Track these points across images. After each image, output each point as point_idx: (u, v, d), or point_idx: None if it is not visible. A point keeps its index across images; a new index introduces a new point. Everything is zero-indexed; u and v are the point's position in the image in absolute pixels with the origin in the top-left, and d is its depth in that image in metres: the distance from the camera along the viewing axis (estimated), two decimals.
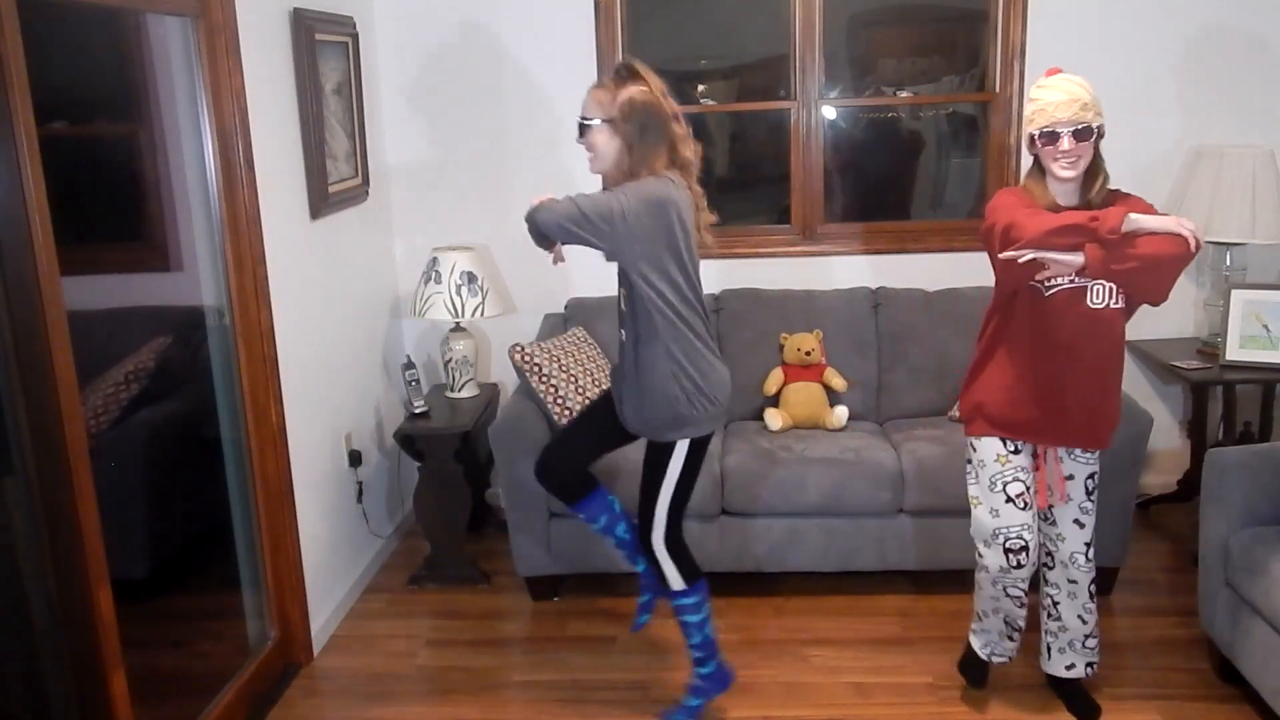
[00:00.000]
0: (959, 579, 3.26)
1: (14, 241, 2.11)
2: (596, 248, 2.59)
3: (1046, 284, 2.56)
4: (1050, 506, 2.77)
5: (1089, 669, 2.92)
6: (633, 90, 2.59)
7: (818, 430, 3.79)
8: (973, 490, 2.78)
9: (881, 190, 4.77)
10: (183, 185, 2.93)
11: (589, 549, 3.58)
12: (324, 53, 3.53)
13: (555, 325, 4.09)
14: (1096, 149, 2.55)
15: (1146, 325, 4.16)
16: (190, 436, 3.12)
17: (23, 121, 2.09)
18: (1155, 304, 2.58)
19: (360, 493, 3.82)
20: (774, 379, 3.89)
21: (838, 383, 3.87)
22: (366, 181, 3.93)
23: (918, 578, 3.65)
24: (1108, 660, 3.19)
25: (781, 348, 3.93)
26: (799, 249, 4.26)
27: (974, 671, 3.01)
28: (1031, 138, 2.55)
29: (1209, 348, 3.91)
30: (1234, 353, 3.76)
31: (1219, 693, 3.02)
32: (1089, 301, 2.56)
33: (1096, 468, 2.76)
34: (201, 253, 2.98)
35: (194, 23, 2.80)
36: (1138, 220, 2.44)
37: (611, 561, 3.60)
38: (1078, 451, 2.74)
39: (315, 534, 3.42)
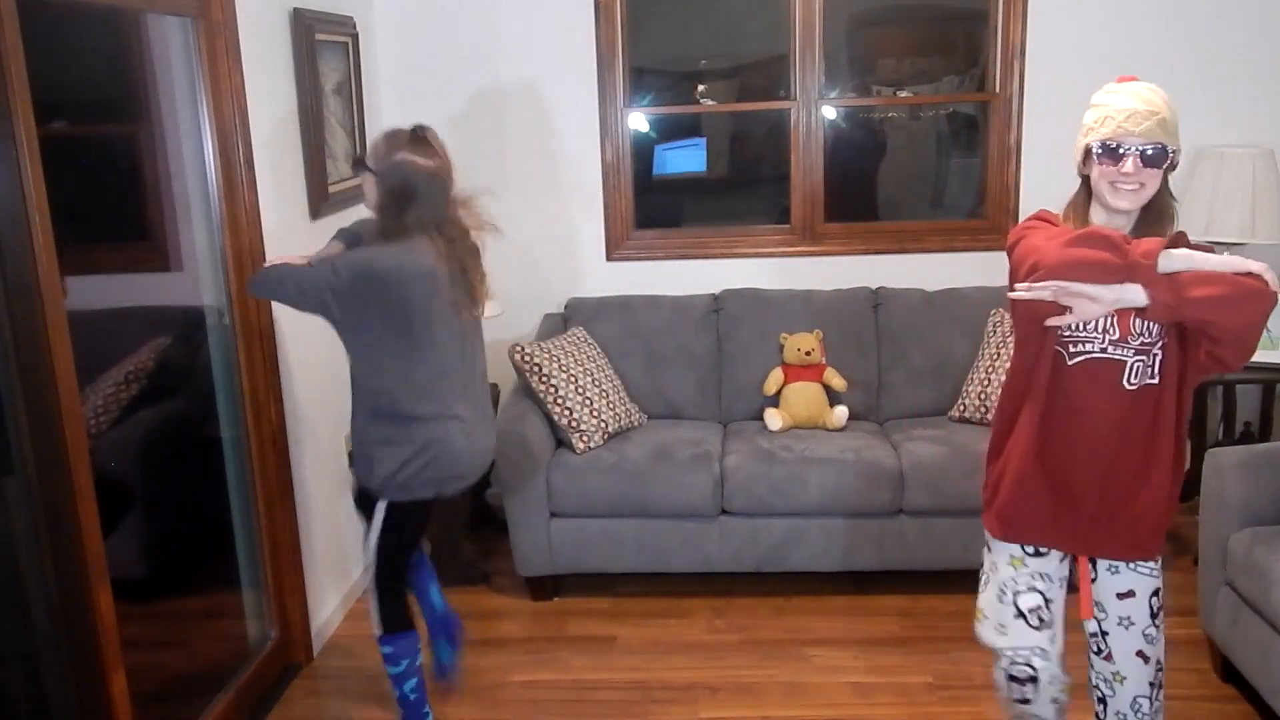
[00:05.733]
0: (959, 579, 3.25)
1: (14, 241, 2.11)
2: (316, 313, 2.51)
3: (1071, 350, 2.02)
4: (1105, 634, 2.18)
5: None
6: (405, 156, 2.48)
7: (818, 430, 3.79)
8: (980, 599, 2.27)
9: (881, 190, 4.77)
10: (183, 185, 2.93)
11: (589, 549, 3.58)
12: (324, 53, 3.53)
13: (555, 325, 4.08)
14: (1165, 184, 2.01)
15: None
16: (190, 436, 3.11)
17: (23, 121, 2.09)
18: (1236, 363, 1.94)
19: None
20: (774, 379, 3.89)
21: (838, 383, 3.87)
22: None
23: (917, 578, 3.65)
24: None
25: (781, 348, 3.93)
26: (799, 249, 4.26)
27: None
28: (1087, 151, 2.01)
29: None
30: None
31: (1219, 693, 3.03)
32: (1125, 381, 2.00)
33: (1159, 582, 2.16)
34: (201, 253, 2.98)
35: (194, 23, 2.81)
36: (1186, 255, 1.86)
37: (611, 561, 3.60)
38: (1138, 560, 2.15)
39: (315, 534, 3.42)
